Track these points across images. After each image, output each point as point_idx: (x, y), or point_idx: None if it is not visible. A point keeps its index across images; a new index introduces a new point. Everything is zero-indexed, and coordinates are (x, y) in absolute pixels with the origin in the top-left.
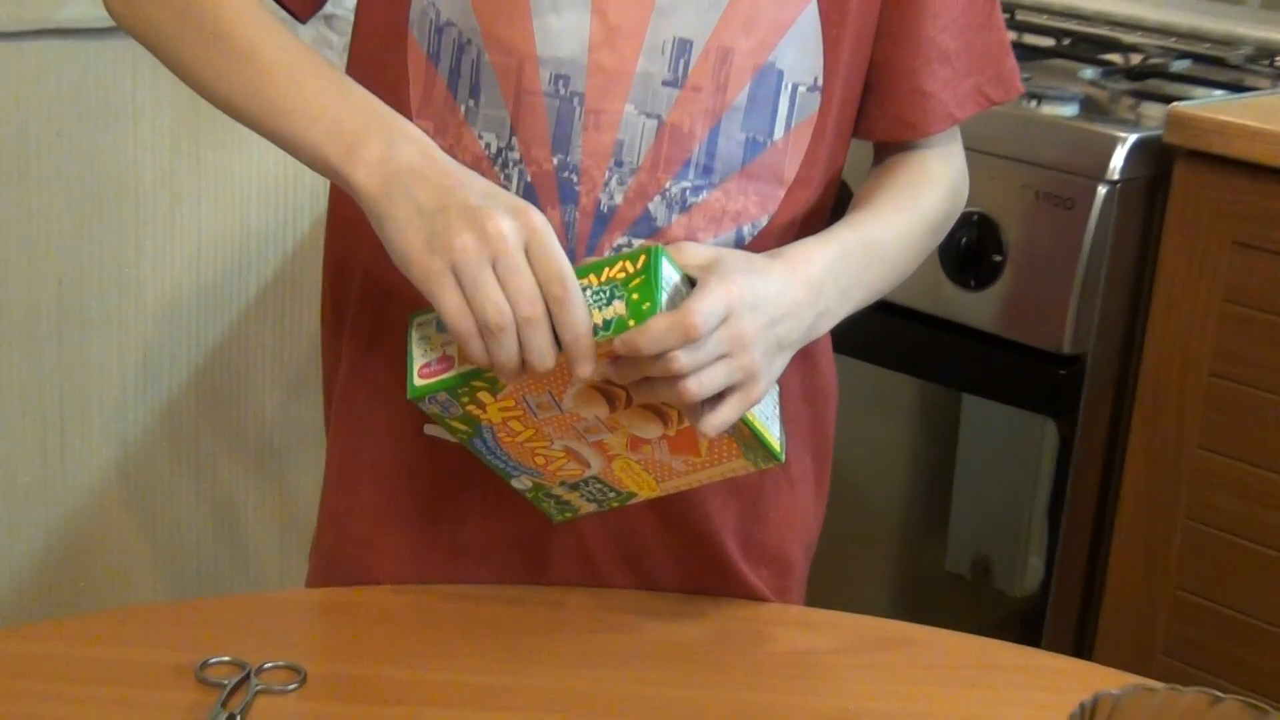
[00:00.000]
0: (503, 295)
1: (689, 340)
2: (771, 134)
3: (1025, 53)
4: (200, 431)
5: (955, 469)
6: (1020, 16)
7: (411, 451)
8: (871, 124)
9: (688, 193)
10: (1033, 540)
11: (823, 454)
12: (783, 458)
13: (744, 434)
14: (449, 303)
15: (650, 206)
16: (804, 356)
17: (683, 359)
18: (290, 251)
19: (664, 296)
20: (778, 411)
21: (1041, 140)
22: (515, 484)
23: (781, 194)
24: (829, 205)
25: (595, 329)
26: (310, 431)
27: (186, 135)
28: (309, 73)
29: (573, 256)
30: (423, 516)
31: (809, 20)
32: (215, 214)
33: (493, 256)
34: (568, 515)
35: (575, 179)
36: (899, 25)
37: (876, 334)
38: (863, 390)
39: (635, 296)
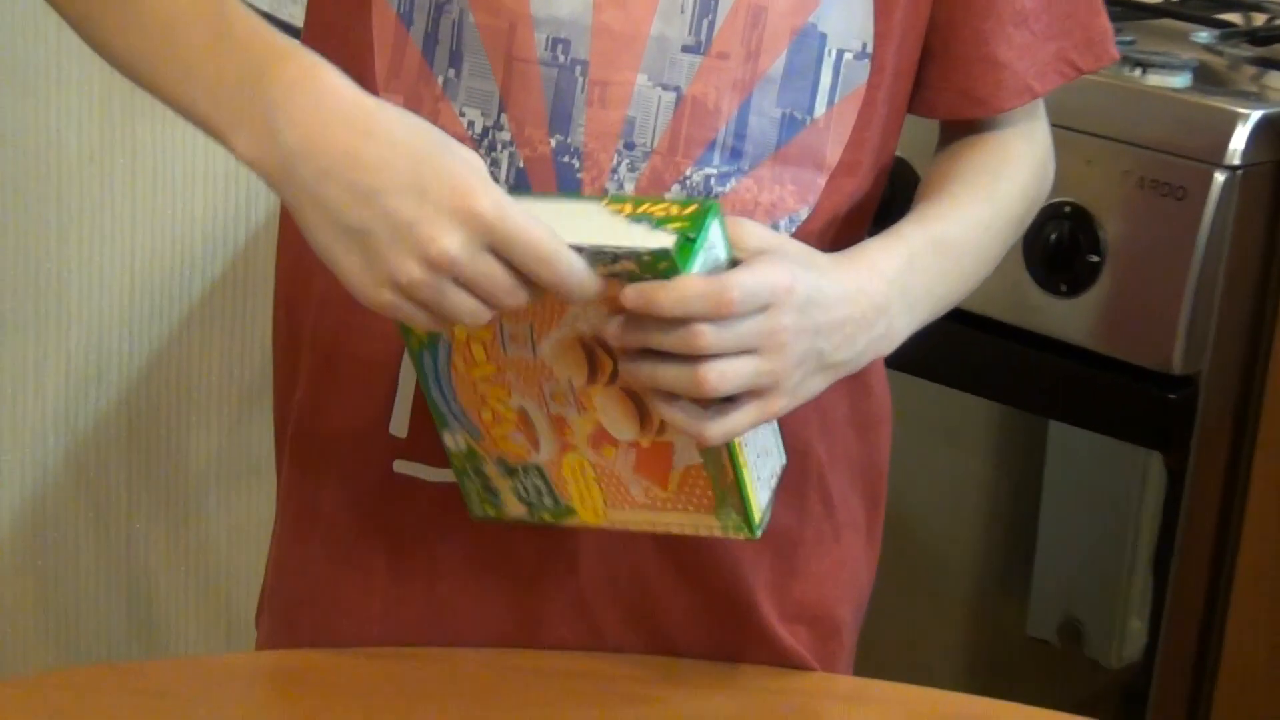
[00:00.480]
0: (475, 300)
1: (719, 314)
2: (811, 110)
3: (1127, 11)
4: (132, 463)
5: (1040, 512)
6: None
7: (379, 489)
8: (933, 98)
9: (712, 180)
10: (1133, 599)
11: (874, 493)
12: (758, 533)
13: (727, 478)
14: (419, 323)
15: (667, 198)
16: (852, 376)
17: (710, 335)
18: (241, 246)
19: (697, 262)
20: (774, 482)
21: (1147, 117)
22: (446, 439)
23: (822, 182)
24: (878, 197)
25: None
26: (263, 461)
27: (120, 104)
28: (188, 12)
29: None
30: (393, 567)
31: None
32: (153, 200)
33: (450, 276)
34: (489, 512)
35: (577, 164)
36: None
37: (945, 348)
38: (927, 416)
39: (648, 257)
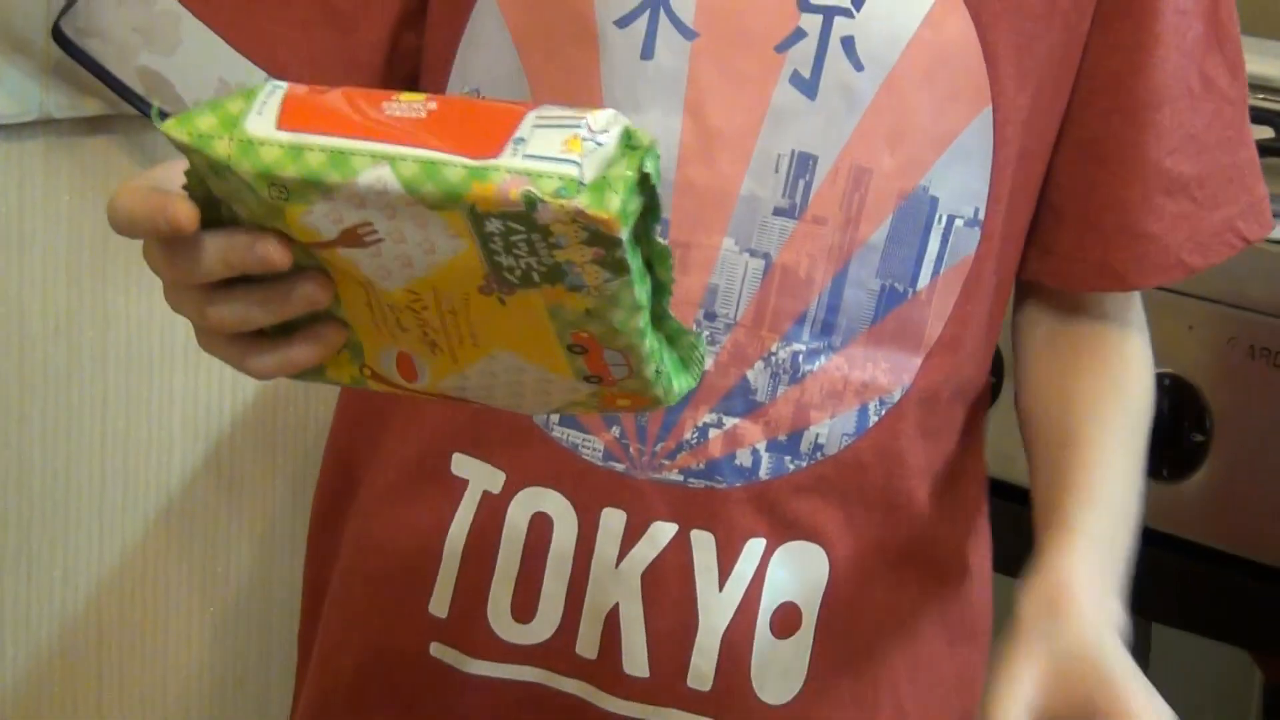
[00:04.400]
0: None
1: None
2: (915, 281)
3: None
4: (104, 677)
5: None
6: None
7: (413, 673)
8: (1066, 268)
9: (800, 358)
10: None
11: (966, 714)
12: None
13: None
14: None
15: (749, 375)
16: (943, 582)
17: None
18: (226, 429)
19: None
20: None
21: (1255, 275)
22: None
23: (919, 361)
24: (983, 377)
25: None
26: (250, 672)
27: (90, 268)
28: None
29: (644, 438)
30: None
31: (979, 131)
32: (126, 373)
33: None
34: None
35: None
36: (1107, 143)
37: (1028, 540)
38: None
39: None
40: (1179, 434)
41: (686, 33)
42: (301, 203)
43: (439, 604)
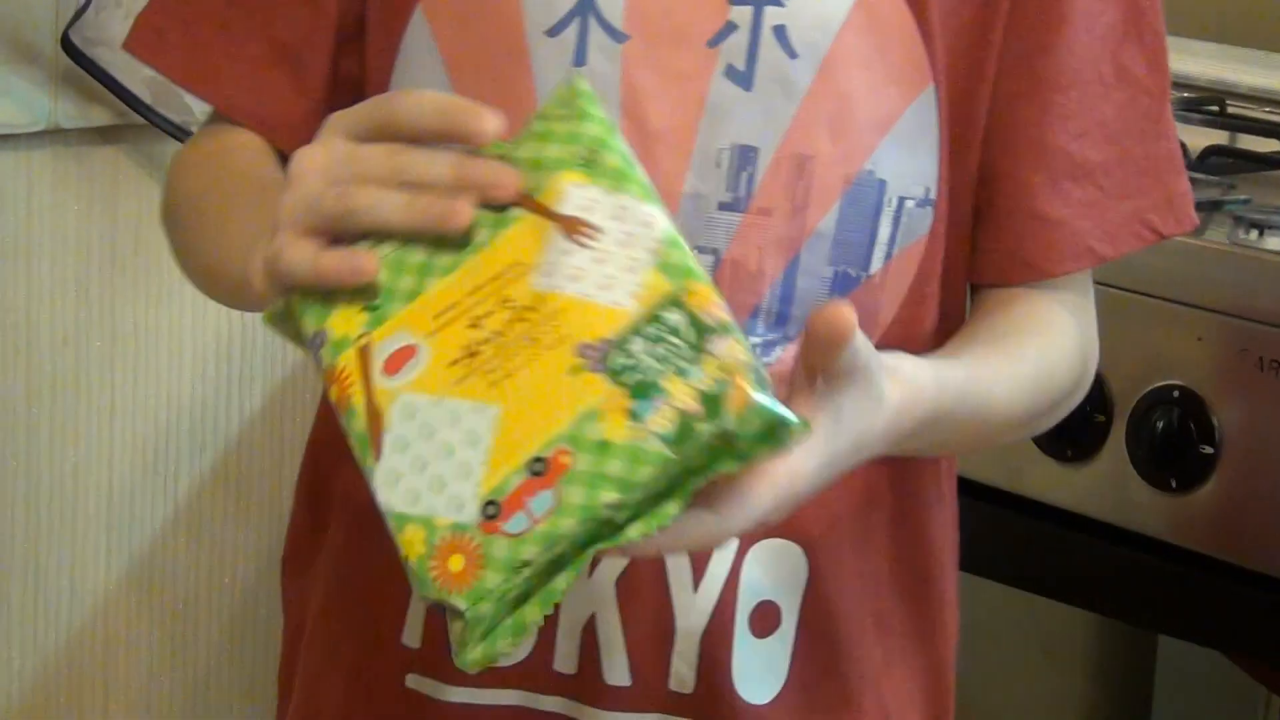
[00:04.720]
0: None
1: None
2: (868, 266)
3: (1239, 163)
4: (110, 691)
5: None
6: (1234, 109)
7: (392, 708)
8: (981, 261)
9: (756, 351)
10: None
11: (939, 710)
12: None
13: None
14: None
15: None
16: (919, 580)
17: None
18: (235, 438)
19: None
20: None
21: (1266, 287)
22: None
23: (873, 344)
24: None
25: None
26: (258, 683)
27: (98, 279)
28: (245, 202)
29: None
30: None
31: (922, 111)
32: (134, 384)
33: (340, 179)
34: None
35: None
36: (1012, 129)
37: (1038, 552)
38: (1019, 629)
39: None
40: (1188, 446)
41: (617, 36)
42: (585, 175)
43: (411, 634)
